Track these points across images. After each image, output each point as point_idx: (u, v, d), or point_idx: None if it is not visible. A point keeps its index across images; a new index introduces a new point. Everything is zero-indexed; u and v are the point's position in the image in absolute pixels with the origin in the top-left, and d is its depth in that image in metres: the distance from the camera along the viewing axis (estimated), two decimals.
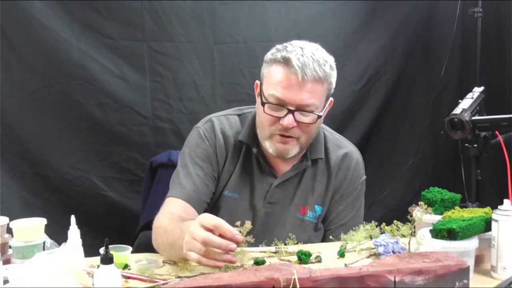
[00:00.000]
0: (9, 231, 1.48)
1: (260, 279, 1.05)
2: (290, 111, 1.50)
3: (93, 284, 1.16)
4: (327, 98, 1.59)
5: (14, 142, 2.37)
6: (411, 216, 1.35)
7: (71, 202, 2.45)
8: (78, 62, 2.41)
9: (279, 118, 1.52)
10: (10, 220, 1.49)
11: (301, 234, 1.61)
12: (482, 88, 1.70)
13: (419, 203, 1.40)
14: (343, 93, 2.82)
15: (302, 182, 1.67)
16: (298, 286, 1.04)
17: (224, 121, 1.69)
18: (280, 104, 1.51)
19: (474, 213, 1.39)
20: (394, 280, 1.09)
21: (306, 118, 1.53)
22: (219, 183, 1.65)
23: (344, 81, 2.82)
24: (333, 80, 1.57)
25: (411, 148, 2.95)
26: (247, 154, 1.66)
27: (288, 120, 1.51)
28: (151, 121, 2.53)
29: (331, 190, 1.68)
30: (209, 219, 1.22)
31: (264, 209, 1.66)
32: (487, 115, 1.64)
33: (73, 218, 1.35)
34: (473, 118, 1.59)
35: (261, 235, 1.63)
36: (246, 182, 1.66)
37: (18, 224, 1.46)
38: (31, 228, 1.46)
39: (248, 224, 1.25)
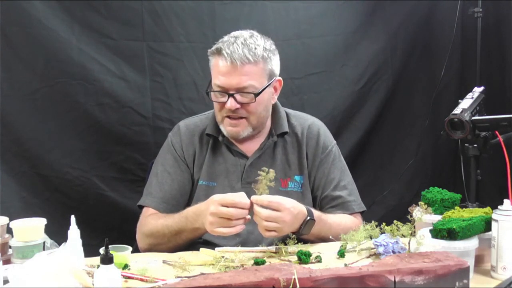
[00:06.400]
0: (9, 231, 1.48)
1: (260, 279, 1.05)
2: (230, 95, 1.68)
3: (93, 284, 1.16)
4: (270, 78, 1.73)
5: (14, 142, 2.36)
6: (411, 216, 1.36)
7: (71, 202, 2.44)
8: (78, 62, 2.40)
9: (225, 103, 1.69)
10: (10, 220, 1.49)
11: None
12: (482, 88, 1.70)
13: (419, 203, 1.40)
14: (343, 93, 2.82)
15: (275, 157, 1.80)
16: (298, 286, 1.04)
17: (190, 121, 1.88)
18: (222, 90, 1.69)
19: (474, 213, 1.39)
20: (394, 280, 1.09)
21: (246, 99, 1.69)
22: (193, 176, 1.81)
23: (344, 81, 2.82)
24: (272, 60, 1.73)
25: (411, 148, 2.95)
26: (215, 144, 1.81)
27: (231, 103, 1.68)
28: (151, 121, 2.53)
29: (305, 158, 1.81)
30: (228, 198, 1.47)
31: (244, 189, 1.72)
32: (487, 115, 1.64)
33: (73, 218, 1.35)
34: (473, 118, 1.59)
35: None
36: (220, 169, 1.78)
37: (18, 224, 1.46)
38: (31, 228, 1.46)
39: (272, 173, 1.47)
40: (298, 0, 2.68)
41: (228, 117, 1.72)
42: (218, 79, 1.69)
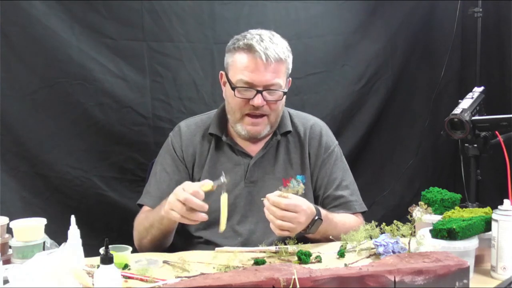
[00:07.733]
0: (9, 231, 1.48)
1: (260, 279, 1.05)
2: (258, 92, 1.66)
3: (93, 284, 1.17)
4: (287, 77, 1.76)
5: (14, 142, 2.36)
6: (411, 216, 1.36)
7: (71, 202, 2.45)
8: (78, 62, 2.40)
9: (249, 100, 1.68)
10: (10, 220, 1.49)
11: None
12: (482, 88, 1.70)
13: (419, 203, 1.40)
14: (343, 93, 2.82)
15: (277, 157, 1.80)
16: (298, 286, 1.04)
17: (191, 121, 1.87)
18: (249, 86, 1.67)
19: (474, 213, 1.39)
20: (394, 280, 1.09)
21: (273, 97, 1.70)
22: (193, 177, 1.81)
23: (344, 81, 2.82)
24: (290, 60, 1.75)
25: (411, 148, 2.95)
26: (218, 144, 1.80)
27: (258, 100, 1.66)
28: (151, 121, 2.53)
29: (307, 158, 1.80)
30: (190, 187, 1.46)
31: (246, 189, 1.76)
32: (487, 115, 1.64)
33: (73, 218, 1.35)
34: (473, 118, 1.59)
35: (249, 213, 1.75)
36: (223, 169, 1.76)
37: (18, 224, 1.47)
38: (31, 228, 1.46)
39: (301, 189, 1.45)
40: (298, 0, 2.68)
41: (248, 115, 1.71)
42: (244, 75, 1.67)
